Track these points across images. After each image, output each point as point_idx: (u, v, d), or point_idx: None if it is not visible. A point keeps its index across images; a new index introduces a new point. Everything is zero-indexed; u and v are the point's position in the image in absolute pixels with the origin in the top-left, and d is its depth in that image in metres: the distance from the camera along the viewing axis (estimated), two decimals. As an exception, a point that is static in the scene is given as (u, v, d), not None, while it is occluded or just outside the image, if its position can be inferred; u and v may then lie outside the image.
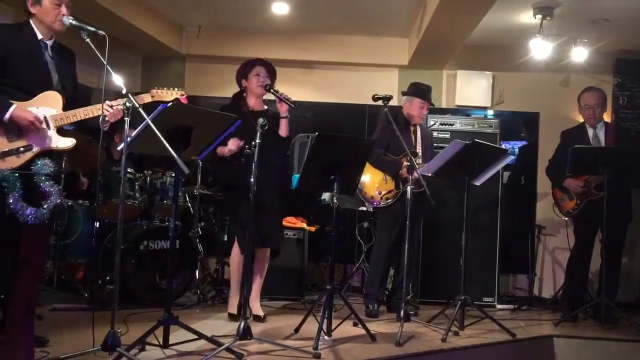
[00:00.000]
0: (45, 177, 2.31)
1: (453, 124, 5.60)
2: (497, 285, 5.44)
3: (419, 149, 4.72)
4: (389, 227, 4.68)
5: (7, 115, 2.89)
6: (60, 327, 3.67)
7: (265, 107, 4.36)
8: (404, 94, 4.88)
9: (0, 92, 2.95)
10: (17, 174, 2.25)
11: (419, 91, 4.80)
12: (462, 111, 6.48)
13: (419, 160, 4.59)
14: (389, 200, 4.65)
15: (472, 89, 6.56)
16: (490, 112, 6.52)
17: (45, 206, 2.28)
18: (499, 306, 5.40)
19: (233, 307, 4.28)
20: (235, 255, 4.23)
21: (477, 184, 4.44)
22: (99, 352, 2.91)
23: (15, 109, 2.91)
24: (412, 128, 4.80)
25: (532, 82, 6.50)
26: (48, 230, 4.23)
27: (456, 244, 4.34)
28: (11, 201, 2.19)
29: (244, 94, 4.32)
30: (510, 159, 4.52)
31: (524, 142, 6.64)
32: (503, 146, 5.53)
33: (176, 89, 3.38)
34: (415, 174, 4.09)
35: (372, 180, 4.68)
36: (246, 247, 3.58)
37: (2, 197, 2.17)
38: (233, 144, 4.00)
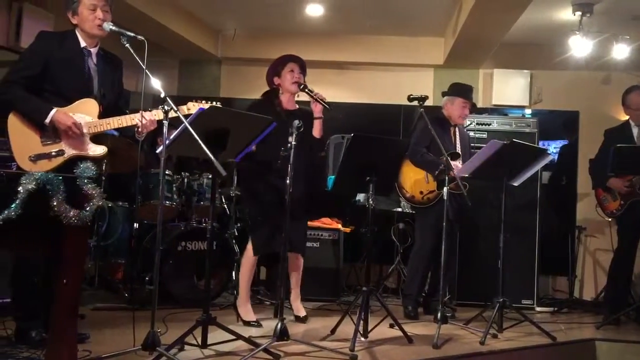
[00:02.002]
0: (87, 180, 2.36)
1: (490, 124, 5.52)
2: (537, 287, 5.35)
3: (459, 150, 4.66)
4: (431, 228, 4.64)
5: (48, 119, 2.99)
6: (102, 326, 3.75)
7: (297, 106, 4.28)
8: (444, 94, 4.81)
9: (39, 97, 3.04)
10: (60, 177, 2.31)
11: (461, 91, 4.74)
12: (499, 111, 6.40)
13: (460, 162, 4.53)
14: (428, 202, 4.61)
15: (509, 88, 6.47)
16: (528, 112, 6.42)
17: (87, 208, 2.33)
18: (538, 309, 5.31)
19: (248, 314, 4.10)
20: (250, 257, 4.08)
21: (516, 184, 4.37)
22: (140, 352, 2.96)
23: (56, 112, 3.00)
24: (452, 129, 4.75)
25: (571, 80, 6.37)
26: (89, 231, 4.36)
27: (494, 245, 4.29)
28: (55, 203, 2.25)
29: (279, 93, 4.19)
30: (549, 159, 4.44)
31: (564, 142, 6.53)
32: (542, 146, 5.43)
33: (214, 103, 3.39)
34: (451, 174, 4.02)
35: (413, 179, 4.66)
36: (282, 249, 3.59)
37: (46, 200, 2.24)
38: None
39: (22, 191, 2.20)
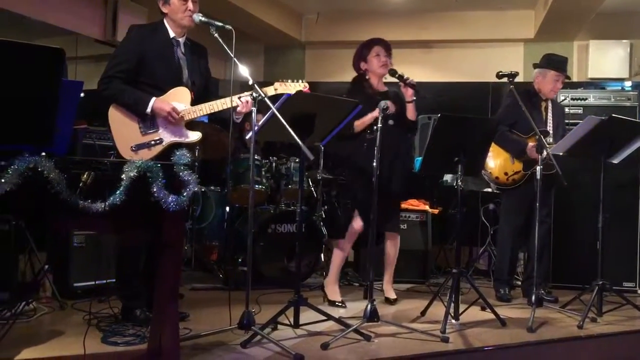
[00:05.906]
0: (183, 167, 2.47)
1: (586, 99, 5.24)
2: (639, 270, 5.08)
3: (550, 127, 4.45)
4: (516, 210, 4.50)
5: (149, 109, 3.16)
6: (200, 305, 3.93)
7: (386, 88, 4.25)
8: (535, 66, 4.60)
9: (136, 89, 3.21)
10: (159, 165, 2.42)
11: (554, 63, 4.51)
12: (595, 84, 6.08)
13: (550, 140, 4.34)
14: (513, 184, 4.46)
15: (607, 60, 6.14)
16: (628, 84, 6.07)
17: (184, 194, 2.43)
18: (641, 292, 5.05)
19: (335, 294, 4.14)
20: (353, 233, 4.08)
21: (615, 162, 4.15)
22: (236, 330, 3.09)
23: (155, 101, 3.17)
24: (542, 104, 4.55)
25: (676, 48, 5.95)
26: (186, 215, 4.55)
27: (591, 226, 4.10)
28: (155, 189, 2.36)
29: (367, 77, 4.17)
30: (653, 134, 4.17)
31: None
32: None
33: (299, 81, 3.44)
34: (544, 153, 3.84)
35: (498, 160, 4.52)
36: (371, 231, 3.59)
37: (147, 186, 2.36)
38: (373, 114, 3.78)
39: (125, 178, 2.32)
